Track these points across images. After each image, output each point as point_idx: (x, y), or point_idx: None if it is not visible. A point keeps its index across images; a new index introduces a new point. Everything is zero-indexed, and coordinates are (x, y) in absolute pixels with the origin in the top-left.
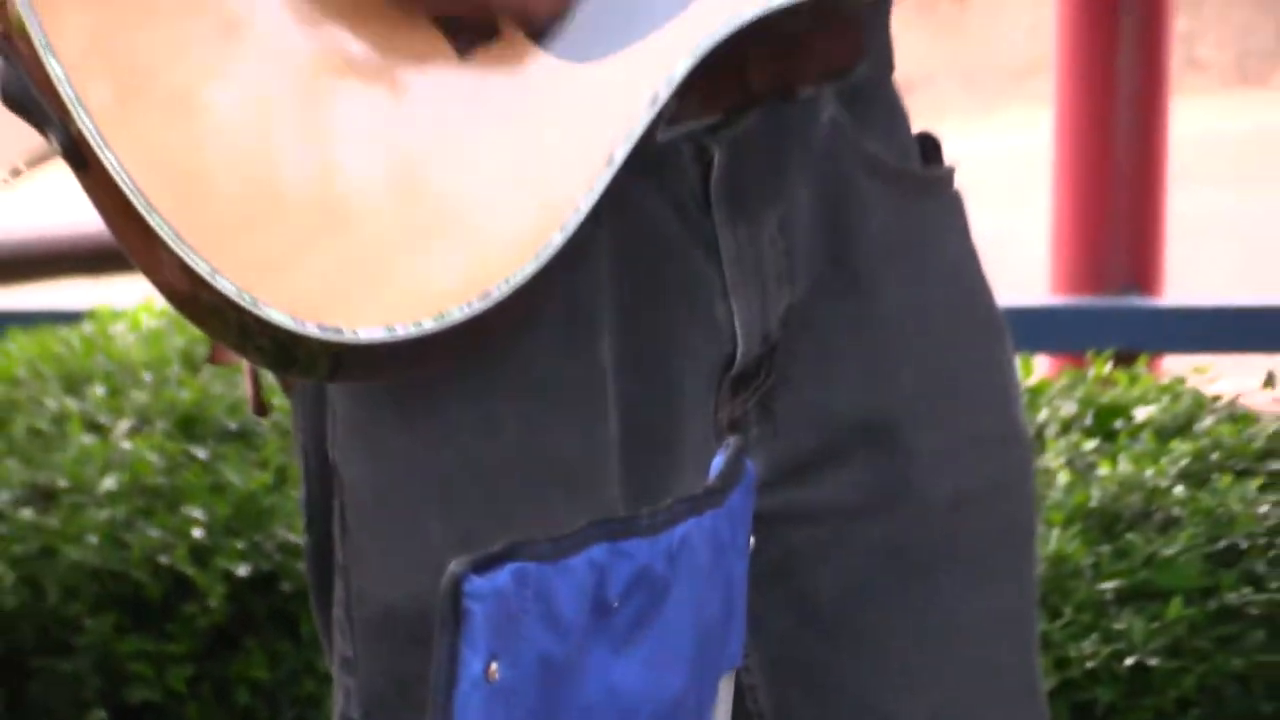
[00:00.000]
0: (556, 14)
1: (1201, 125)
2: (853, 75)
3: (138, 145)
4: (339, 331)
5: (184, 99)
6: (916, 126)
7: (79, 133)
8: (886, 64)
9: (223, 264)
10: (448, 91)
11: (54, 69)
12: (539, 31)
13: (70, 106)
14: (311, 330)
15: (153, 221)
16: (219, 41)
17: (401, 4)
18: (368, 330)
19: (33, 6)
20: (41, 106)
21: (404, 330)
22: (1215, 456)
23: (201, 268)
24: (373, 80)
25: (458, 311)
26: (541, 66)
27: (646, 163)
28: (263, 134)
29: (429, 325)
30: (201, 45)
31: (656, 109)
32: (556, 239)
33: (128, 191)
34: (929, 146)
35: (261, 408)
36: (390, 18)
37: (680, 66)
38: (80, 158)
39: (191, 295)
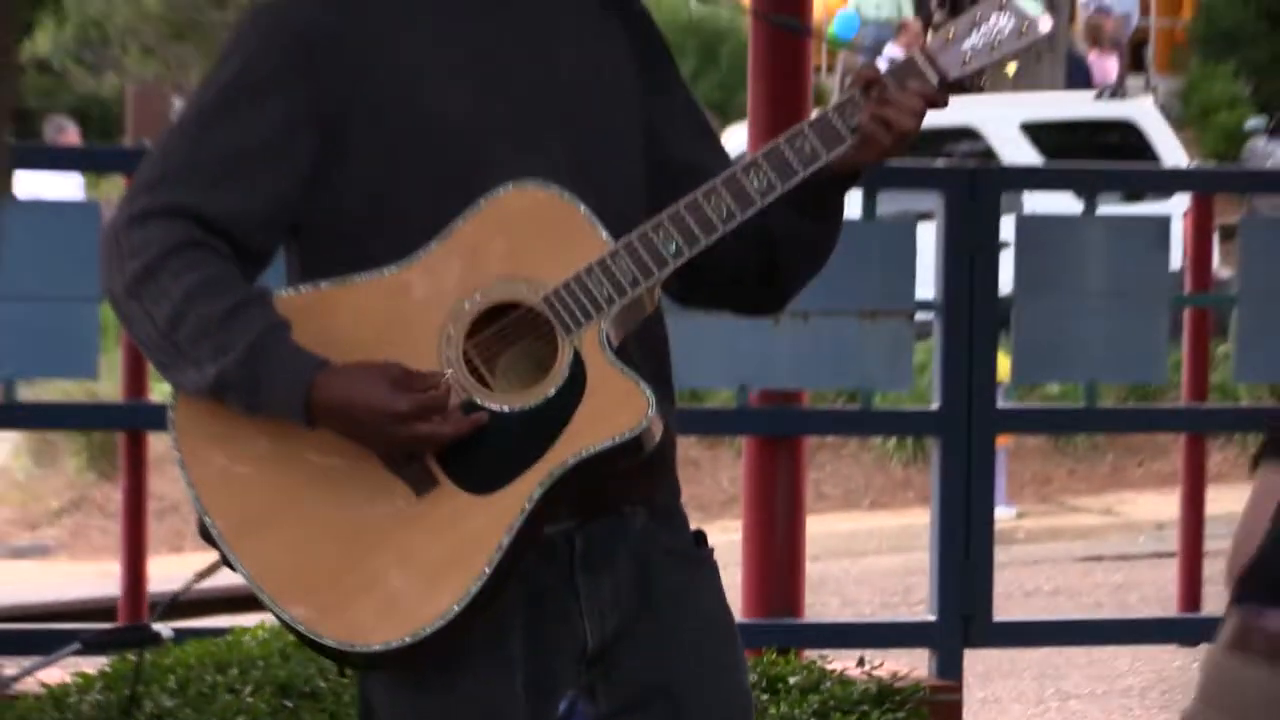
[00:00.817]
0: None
1: (826, 531)
2: (656, 499)
3: (254, 558)
4: (367, 645)
5: (280, 531)
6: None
7: (226, 555)
8: (675, 492)
9: (299, 614)
10: (417, 511)
11: (208, 521)
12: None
13: (220, 543)
14: (347, 647)
15: (263, 597)
16: (291, 499)
17: (388, 468)
18: (378, 645)
19: (193, 483)
20: (216, 542)
21: (396, 643)
22: (832, 703)
23: (286, 616)
24: (378, 513)
25: (425, 630)
26: (464, 498)
27: (538, 546)
28: (317, 544)
29: (409, 639)
30: (279, 496)
31: (525, 515)
32: (473, 588)
33: (249, 583)
34: (700, 538)
35: (342, 672)
36: (379, 480)
37: (537, 492)
38: (230, 566)
39: (289, 628)
